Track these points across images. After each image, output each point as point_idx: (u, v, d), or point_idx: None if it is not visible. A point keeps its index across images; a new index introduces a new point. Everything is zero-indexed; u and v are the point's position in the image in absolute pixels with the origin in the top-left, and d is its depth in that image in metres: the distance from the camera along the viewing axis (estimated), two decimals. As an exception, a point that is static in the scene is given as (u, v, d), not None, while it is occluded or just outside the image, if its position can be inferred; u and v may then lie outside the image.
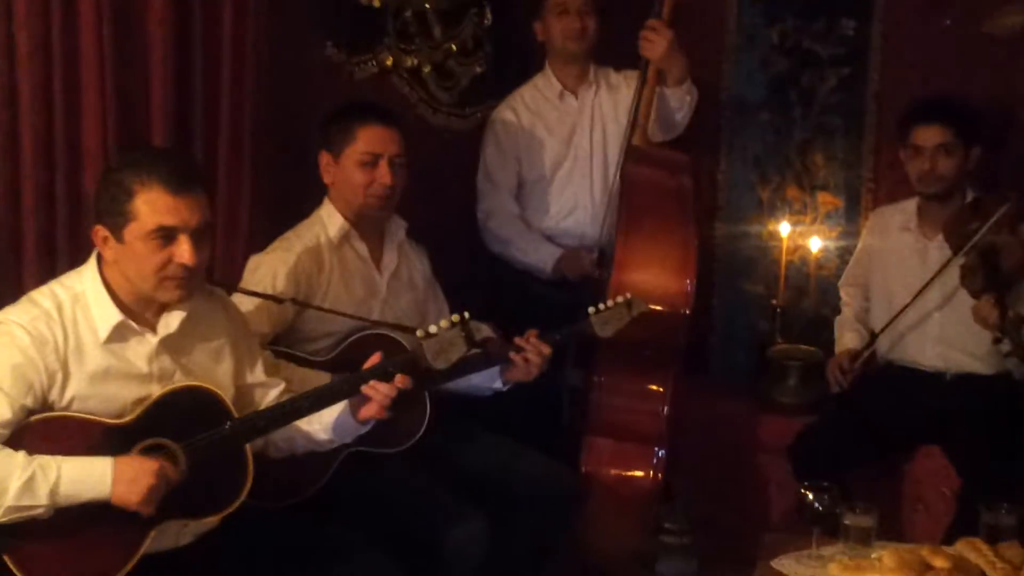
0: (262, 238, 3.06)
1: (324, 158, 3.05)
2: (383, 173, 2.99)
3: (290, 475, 2.71)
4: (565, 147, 3.85)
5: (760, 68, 4.33)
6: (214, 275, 2.91)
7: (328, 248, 3.02)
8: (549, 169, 3.84)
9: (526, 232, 3.80)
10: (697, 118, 4.14)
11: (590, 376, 3.50)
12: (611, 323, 3.07)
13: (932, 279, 3.46)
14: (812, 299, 4.20)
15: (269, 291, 2.86)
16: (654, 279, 3.37)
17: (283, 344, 2.94)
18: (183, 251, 2.27)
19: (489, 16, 4.04)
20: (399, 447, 2.92)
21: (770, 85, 4.32)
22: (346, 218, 3.05)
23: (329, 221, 3.05)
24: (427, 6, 3.81)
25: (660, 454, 3.41)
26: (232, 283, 2.86)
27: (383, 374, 2.52)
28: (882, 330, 3.59)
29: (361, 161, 2.99)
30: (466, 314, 2.56)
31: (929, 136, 3.48)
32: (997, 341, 3.10)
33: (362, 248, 3.09)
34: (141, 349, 2.35)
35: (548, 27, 3.78)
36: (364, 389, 2.50)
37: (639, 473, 3.40)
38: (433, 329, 2.52)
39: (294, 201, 3.15)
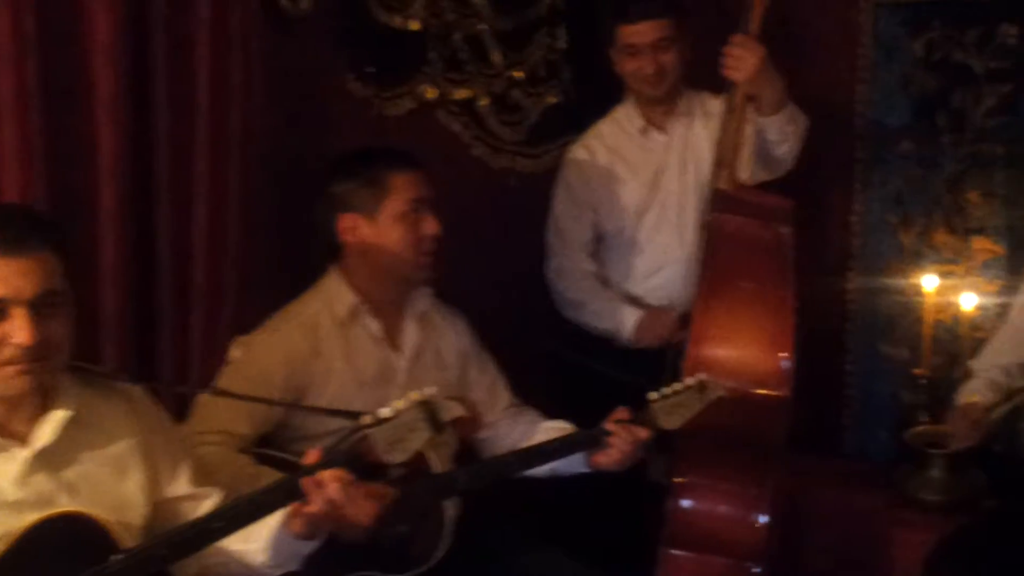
0: (254, 313, 2.57)
1: (347, 221, 2.55)
2: (430, 222, 2.54)
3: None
4: (651, 191, 3.26)
5: (902, 87, 3.63)
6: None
7: (331, 328, 2.54)
8: (632, 218, 3.26)
9: (601, 292, 3.25)
10: (826, 149, 3.58)
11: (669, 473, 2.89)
12: (678, 411, 2.53)
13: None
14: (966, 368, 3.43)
15: (257, 383, 2.40)
16: (740, 355, 2.77)
17: (276, 445, 2.46)
18: (17, 328, 1.80)
19: (564, 37, 3.46)
20: None
21: (914, 108, 3.62)
22: (359, 291, 2.56)
23: (337, 296, 2.57)
24: (482, 27, 3.25)
25: (755, 572, 2.77)
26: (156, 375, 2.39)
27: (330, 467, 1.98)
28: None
29: (404, 213, 2.51)
30: (429, 391, 2.03)
31: None
32: None
33: (374, 326, 2.58)
34: (7, 468, 1.87)
35: (619, 65, 3.20)
36: (304, 484, 1.96)
37: (728, 597, 2.79)
38: (385, 412, 1.98)
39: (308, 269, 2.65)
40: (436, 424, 2.02)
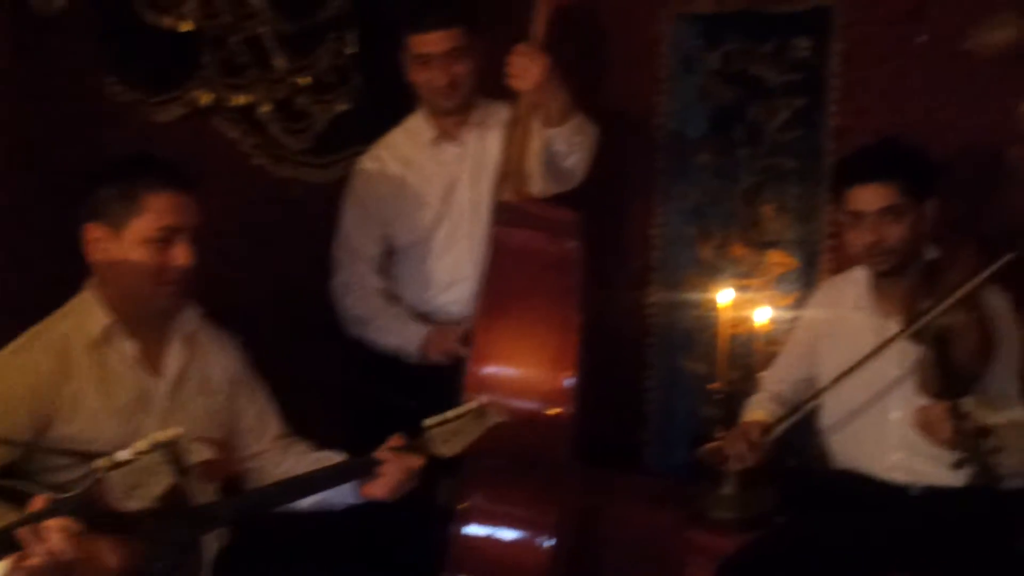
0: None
1: (94, 231, 2.35)
2: (180, 253, 2.34)
3: None
4: (444, 204, 3.15)
5: (700, 99, 3.60)
6: None
7: (83, 350, 2.35)
8: (424, 232, 3.15)
9: (388, 308, 3.13)
10: (627, 161, 3.54)
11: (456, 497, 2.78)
12: (456, 438, 2.43)
13: (863, 361, 2.72)
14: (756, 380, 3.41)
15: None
16: (521, 374, 2.68)
17: (25, 475, 2.25)
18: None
19: (355, 42, 3.32)
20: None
21: (712, 120, 3.59)
22: (115, 309, 2.37)
23: (89, 315, 2.38)
24: (263, 30, 3.08)
25: (543, 596, 2.69)
26: None
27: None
28: (807, 402, 2.85)
29: (150, 239, 2.31)
30: (174, 432, 1.89)
31: (869, 199, 2.72)
32: (958, 465, 2.36)
33: (130, 348, 2.40)
34: None
35: (412, 74, 3.09)
36: (21, 535, 1.79)
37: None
38: (123, 455, 1.83)
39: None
40: (180, 468, 1.89)
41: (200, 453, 2.33)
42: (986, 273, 2.54)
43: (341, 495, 2.45)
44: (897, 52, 3.28)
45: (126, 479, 1.84)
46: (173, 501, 2.15)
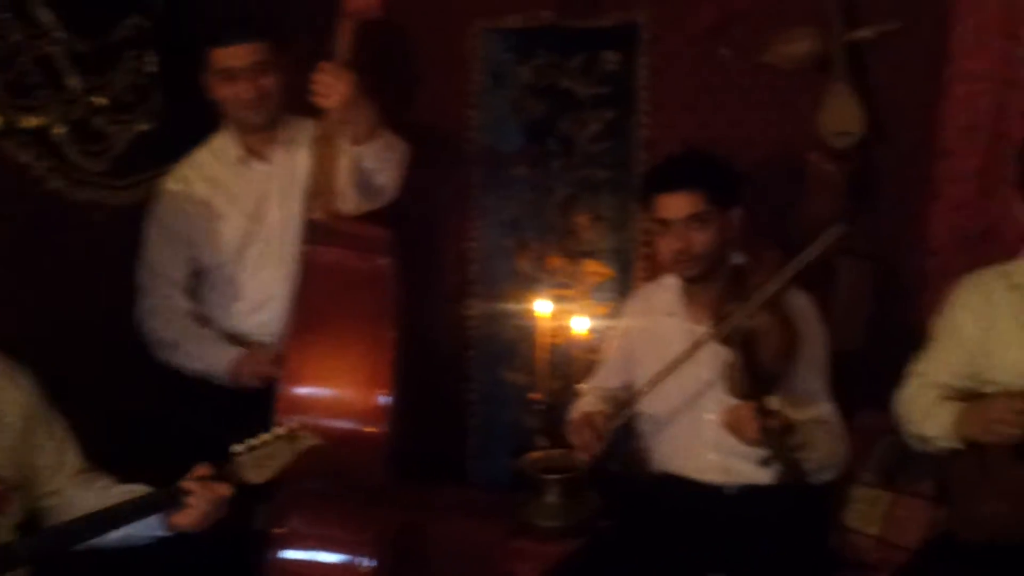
0: None
1: None
2: None
3: None
4: (253, 223, 3.10)
5: (512, 113, 3.63)
6: None
7: None
8: (234, 252, 3.09)
9: (196, 331, 3.05)
10: (441, 175, 3.53)
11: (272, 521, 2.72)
12: (267, 463, 2.37)
13: (674, 364, 2.76)
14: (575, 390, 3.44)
15: None
16: (334, 394, 2.65)
17: None
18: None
19: (155, 61, 3.22)
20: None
21: (525, 133, 3.63)
22: None
23: None
24: (54, 49, 2.96)
25: (366, 618, 2.65)
26: None
27: None
28: (630, 400, 2.88)
29: None
30: None
31: (675, 207, 2.78)
32: (765, 462, 2.42)
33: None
34: None
35: (216, 91, 3.02)
36: None
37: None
38: None
39: None
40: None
41: None
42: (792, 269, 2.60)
43: (148, 528, 2.35)
44: (701, 66, 3.37)
45: None
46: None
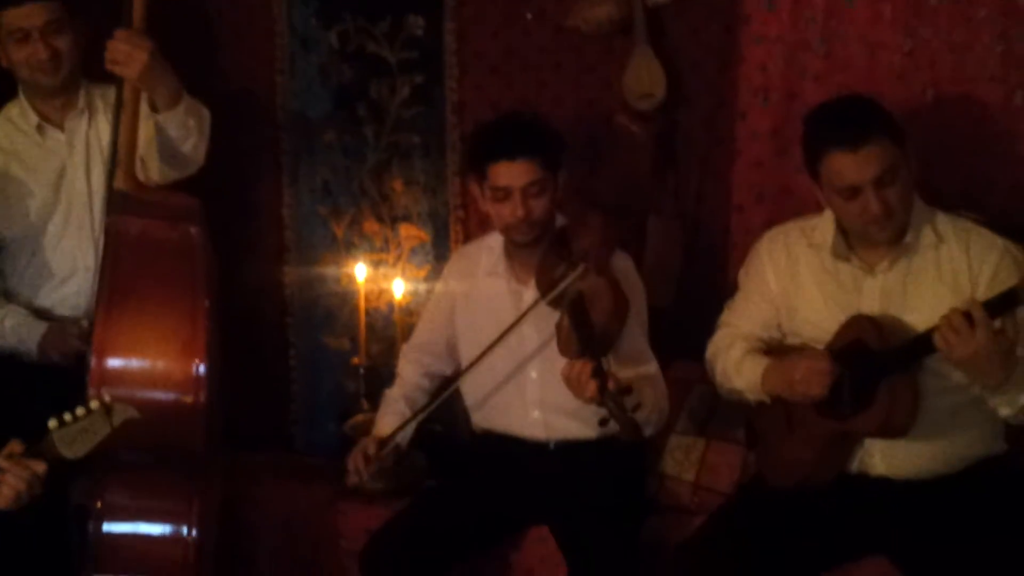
0: None
1: None
2: None
3: None
4: (54, 194, 3.01)
5: (321, 79, 3.60)
6: None
7: None
8: (35, 223, 2.99)
9: (1, 307, 2.95)
10: (252, 143, 3.48)
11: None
12: (84, 438, 2.29)
13: (504, 334, 2.81)
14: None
15: None
16: (148, 365, 2.60)
17: None
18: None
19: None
20: None
21: (335, 99, 3.60)
22: None
23: None
24: None
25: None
26: None
27: None
28: (418, 413, 2.96)
29: None
30: None
31: (515, 174, 2.78)
32: (603, 422, 2.49)
33: None
34: None
35: (7, 54, 2.92)
36: None
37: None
38: None
39: None
40: None
41: None
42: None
43: None
44: (506, 29, 3.40)
45: None
46: None
